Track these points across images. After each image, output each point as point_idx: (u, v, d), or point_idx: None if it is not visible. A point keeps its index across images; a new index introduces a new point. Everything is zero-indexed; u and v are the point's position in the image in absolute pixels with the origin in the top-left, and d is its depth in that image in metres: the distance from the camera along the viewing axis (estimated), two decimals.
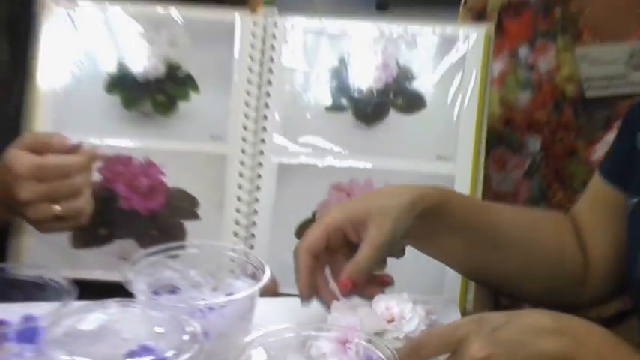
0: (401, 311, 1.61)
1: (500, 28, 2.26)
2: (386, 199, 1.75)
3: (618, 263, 1.86)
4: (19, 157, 1.93)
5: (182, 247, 1.73)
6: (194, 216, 2.07)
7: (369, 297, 1.70)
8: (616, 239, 1.85)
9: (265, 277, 1.63)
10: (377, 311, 1.62)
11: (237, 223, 2.07)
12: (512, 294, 2.04)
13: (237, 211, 2.07)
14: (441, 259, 1.88)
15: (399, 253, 1.85)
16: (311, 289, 1.69)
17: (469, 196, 2.02)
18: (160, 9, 2.13)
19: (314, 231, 1.72)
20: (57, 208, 1.90)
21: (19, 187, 1.90)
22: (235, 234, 2.05)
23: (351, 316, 1.59)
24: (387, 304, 1.62)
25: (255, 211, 2.07)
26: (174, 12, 2.12)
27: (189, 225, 2.06)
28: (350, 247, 1.71)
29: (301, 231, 2.01)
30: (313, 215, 2.04)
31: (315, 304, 1.74)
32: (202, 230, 2.05)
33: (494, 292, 2.19)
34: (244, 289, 1.62)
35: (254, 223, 2.07)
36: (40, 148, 1.95)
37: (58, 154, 1.94)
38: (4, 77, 2.20)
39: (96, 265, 2.04)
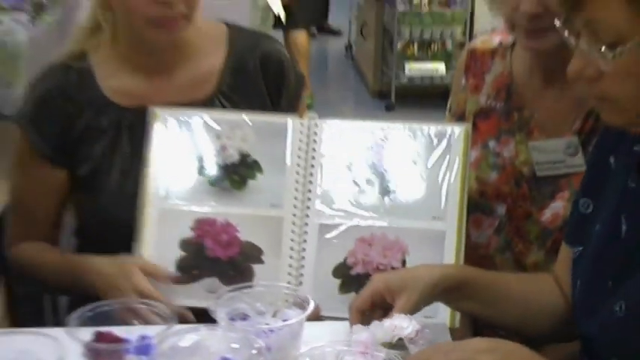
0: (401, 323, 1.73)
1: (475, 127, 2.39)
2: (417, 276, 1.89)
3: None
4: (137, 276, 2.14)
5: (251, 287, 1.93)
6: (260, 261, 2.21)
7: None
8: None
9: (310, 308, 1.82)
10: (384, 325, 1.73)
11: (290, 266, 2.20)
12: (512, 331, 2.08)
13: (290, 257, 2.21)
14: (460, 312, 2.05)
15: None
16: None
17: (482, 270, 2.08)
18: (235, 115, 2.31)
19: (364, 294, 1.87)
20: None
21: (120, 290, 2.11)
22: (289, 274, 2.20)
23: (366, 331, 1.75)
24: (392, 320, 1.75)
25: (303, 257, 2.21)
26: (245, 117, 2.29)
27: (256, 267, 2.20)
28: (387, 307, 1.85)
29: (336, 272, 2.18)
30: (344, 259, 2.18)
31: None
32: (265, 271, 2.19)
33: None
34: (295, 316, 1.80)
35: (302, 266, 2.20)
36: (148, 273, 2.16)
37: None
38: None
39: (190, 296, 2.16)
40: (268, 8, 5.54)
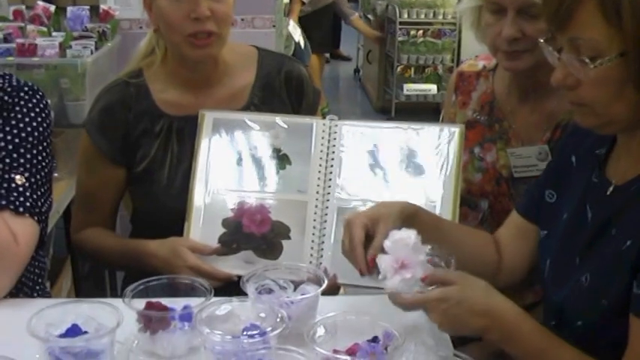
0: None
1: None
2: (385, 209, 1.90)
3: (521, 268, 2.02)
4: (187, 255, 2.19)
5: (276, 267, 1.92)
6: (287, 237, 2.23)
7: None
8: (520, 251, 2.03)
9: (324, 285, 1.81)
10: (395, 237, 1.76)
11: (312, 241, 2.22)
12: None
13: (313, 234, 2.23)
14: None
15: None
16: (364, 262, 1.82)
17: (432, 212, 2.09)
18: (269, 117, 2.35)
19: (356, 229, 1.85)
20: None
21: (176, 268, 2.15)
22: (312, 248, 2.21)
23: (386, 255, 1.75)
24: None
25: (324, 235, 2.22)
26: (277, 119, 2.33)
27: (284, 243, 2.23)
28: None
29: None
30: None
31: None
32: (292, 246, 2.22)
33: None
34: (312, 291, 1.80)
35: (322, 242, 2.21)
36: (196, 250, 2.21)
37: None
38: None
39: (231, 266, 2.19)
40: (290, 37, 5.57)
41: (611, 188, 1.75)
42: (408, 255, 1.73)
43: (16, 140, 2.00)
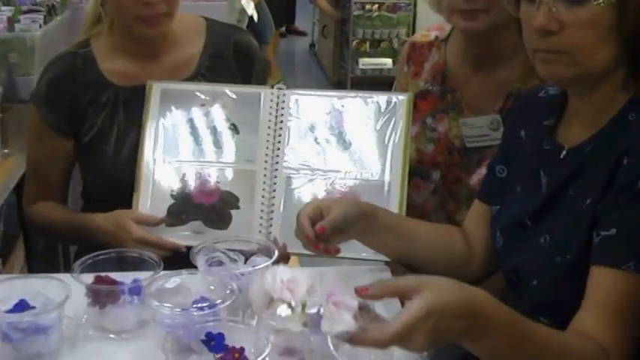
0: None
1: (415, 107, 2.34)
2: (340, 200, 2.02)
3: (491, 254, 1.96)
4: (132, 227, 2.18)
5: (226, 239, 1.92)
6: (236, 207, 2.24)
7: (327, 254, 1.89)
8: (486, 237, 1.97)
9: (274, 257, 1.81)
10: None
11: (262, 211, 2.23)
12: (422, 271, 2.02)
13: (262, 204, 2.23)
14: (377, 249, 2.02)
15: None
16: (310, 239, 1.85)
17: (390, 211, 2.10)
18: (217, 87, 2.34)
19: (308, 208, 1.89)
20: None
21: (122, 241, 2.14)
22: (261, 217, 2.22)
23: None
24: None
25: (273, 204, 2.23)
26: (226, 89, 2.33)
27: (233, 213, 2.23)
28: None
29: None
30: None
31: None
32: (241, 216, 2.23)
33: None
34: (262, 263, 1.79)
35: (272, 212, 2.22)
36: (141, 222, 2.21)
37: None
38: None
39: (180, 237, 2.19)
40: (244, 11, 5.53)
41: (564, 152, 1.75)
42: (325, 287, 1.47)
43: None
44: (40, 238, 2.40)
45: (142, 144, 2.30)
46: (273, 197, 2.24)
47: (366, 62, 8.83)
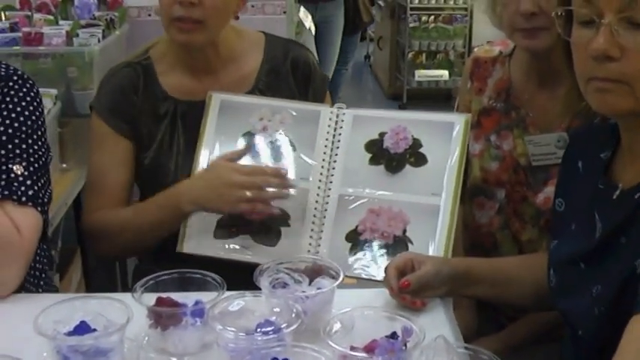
0: None
1: (478, 123, 2.40)
2: (434, 257, 2.00)
3: None
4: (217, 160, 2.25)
5: (291, 261, 1.88)
6: (286, 224, 2.22)
7: (412, 306, 1.88)
8: None
9: (340, 279, 1.78)
10: None
11: (312, 230, 2.21)
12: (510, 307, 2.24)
13: (313, 222, 2.21)
14: (470, 297, 2.12)
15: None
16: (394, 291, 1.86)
17: (482, 259, 2.16)
18: (277, 102, 2.35)
19: (399, 259, 1.91)
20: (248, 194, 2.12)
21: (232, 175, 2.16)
22: (310, 237, 2.20)
23: None
24: None
25: (323, 224, 2.21)
26: (286, 104, 2.33)
27: (283, 230, 2.22)
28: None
29: (348, 237, 2.18)
30: (356, 227, 2.18)
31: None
32: (290, 233, 2.22)
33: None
34: (328, 285, 1.77)
35: (321, 231, 2.20)
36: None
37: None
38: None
39: (228, 251, 2.21)
40: (301, 24, 5.54)
41: (617, 192, 1.67)
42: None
43: (10, 131, 1.97)
44: (99, 250, 2.39)
45: (198, 153, 2.30)
46: (324, 217, 2.22)
47: (422, 74, 8.81)
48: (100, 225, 2.36)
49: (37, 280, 2.11)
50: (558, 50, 2.09)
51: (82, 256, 3.46)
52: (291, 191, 2.22)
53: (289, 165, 2.27)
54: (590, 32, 1.53)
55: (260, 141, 2.30)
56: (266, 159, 2.28)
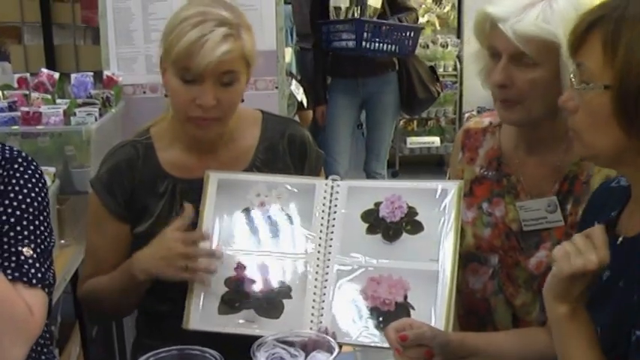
0: None
1: (471, 192, 2.43)
2: (433, 327, 2.02)
3: None
4: (167, 233, 2.22)
5: (287, 336, 1.92)
6: (289, 297, 2.23)
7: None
8: None
9: (335, 353, 1.82)
10: None
11: (314, 301, 2.21)
12: None
13: (314, 294, 2.22)
14: None
15: None
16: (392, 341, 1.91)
17: (476, 334, 2.16)
18: (273, 177, 2.38)
19: (395, 323, 1.96)
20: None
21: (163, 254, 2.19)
22: (313, 307, 2.21)
23: None
24: None
25: (324, 294, 2.21)
26: (282, 179, 2.37)
27: (285, 302, 2.22)
28: None
29: (350, 305, 2.19)
30: (357, 295, 2.19)
31: None
32: (293, 305, 2.22)
33: None
34: (323, 359, 1.82)
35: (323, 301, 2.21)
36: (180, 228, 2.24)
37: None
38: None
39: (232, 325, 2.21)
40: (293, 96, 5.59)
41: (620, 238, 1.73)
42: None
43: (17, 213, 1.98)
44: (94, 319, 2.38)
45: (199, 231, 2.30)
46: (325, 287, 2.23)
47: (414, 141, 8.89)
48: (88, 291, 2.45)
49: (39, 355, 2.10)
50: (538, 123, 2.17)
51: (80, 328, 3.45)
52: (292, 264, 2.26)
53: (287, 238, 2.29)
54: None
55: (258, 216, 2.32)
56: (264, 233, 2.30)
